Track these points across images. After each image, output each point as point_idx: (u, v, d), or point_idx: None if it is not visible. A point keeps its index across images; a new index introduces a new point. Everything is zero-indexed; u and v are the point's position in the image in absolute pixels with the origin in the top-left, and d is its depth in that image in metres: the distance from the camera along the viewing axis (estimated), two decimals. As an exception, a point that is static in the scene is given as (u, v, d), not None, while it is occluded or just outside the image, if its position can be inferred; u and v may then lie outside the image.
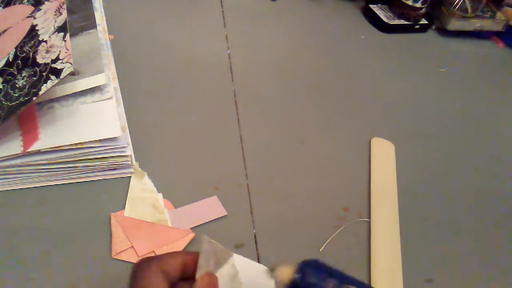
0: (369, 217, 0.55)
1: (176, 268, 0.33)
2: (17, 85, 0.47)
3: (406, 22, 0.88)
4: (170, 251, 0.34)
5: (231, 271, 0.33)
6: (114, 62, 0.62)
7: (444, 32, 0.90)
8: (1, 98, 0.47)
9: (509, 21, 0.90)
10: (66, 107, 0.51)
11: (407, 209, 0.57)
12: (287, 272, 0.33)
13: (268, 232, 0.51)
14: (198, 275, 0.32)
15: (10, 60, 0.50)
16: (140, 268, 0.32)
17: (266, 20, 0.83)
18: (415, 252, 0.53)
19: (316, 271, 0.33)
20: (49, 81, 0.46)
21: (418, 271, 0.51)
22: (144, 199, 0.51)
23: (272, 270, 0.34)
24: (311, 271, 0.33)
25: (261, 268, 0.35)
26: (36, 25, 0.52)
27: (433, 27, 0.92)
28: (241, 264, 0.34)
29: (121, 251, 0.46)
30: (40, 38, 0.50)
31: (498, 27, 0.90)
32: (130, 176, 0.53)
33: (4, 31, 0.54)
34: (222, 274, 0.33)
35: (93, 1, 0.62)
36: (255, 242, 0.50)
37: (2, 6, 0.57)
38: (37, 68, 0.47)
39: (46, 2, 0.54)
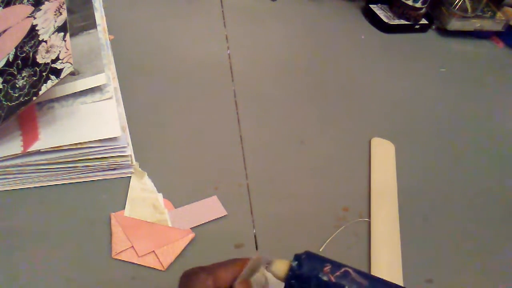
0: (369, 217, 0.55)
1: (228, 281, 0.33)
2: (17, 85, 0.47)
3: (406, 22, 0.88)
4: (221, 262, 0.34)
5: (260, 278, 0.35)
6: (114, 62, 0.62)
7: (444, 32, 0.90)
8: (1, 98, 0.47)
9: (509, 21, 0.90)
10: (66, 107, 0.51)
11: (407, 209, 0.57)
12: (283, 265, 0.34)
13: (268, 232, 0.51)
14: (236, 283, 0.33)
15: (10, 60, 0.50)
16: (195, 282, 0.32)
17: (266, 20, 0.83)
18: (415, 252, 0.53)
19: (311, 258, 0.34)
20: (49, 81, 0.46)
21: (418, 271, 0.51)
22: (144, 199, 0.51)
23: (268, 264, 0.34)
24: (307, 258, 0.34)
25: None
26: (36, 25, 0.52)
27: (433, 27, 0.92)
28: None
29: (121, 251, 0.46)
30: (40, 38, 0.50)
31: (498, 27, 0.90)
32: (130, 176, 0.53)
33: (4, 31, 0.54)
34: (254, 281, 0.34)
35: (93, 1, 0.62)
36: (255, 242, 0.50)
37: (2, 6, 0.57)
38: (37, 68, 0.47)
39: (46, 2, 0.54)
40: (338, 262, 0.34)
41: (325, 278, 0.32)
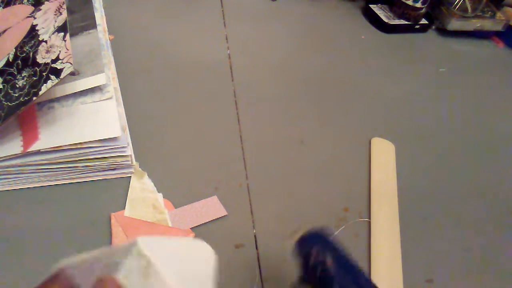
0: (369, 217, 0.55)
1: None
2: (17, 85, 0.47)
3: (406, 22, 0.88)
4: None
5: (139, 263, 0.23)
6: (114, 62, 0.62)
7: (444, 32, 0.90)
8: (1, 98, 0.47)
9: (509, 21, 0.90)
10: (66, 107, 0.51)
11: (407, 209, 0.57)
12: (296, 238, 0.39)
13: (268, 232, 0.51)
14: None
15: (10, 60, 0.50)
16: None
17: (266, 20, 0.83)
18: (415, 252, 0.53)
19: (310, 238, 0.38)
20: (49, 81, 0.46)
21: (418, 271, 0.51)
22: (144, 199, 0.51)
23: (293, 233, 0.39)
24: (305, 238, 0.38)
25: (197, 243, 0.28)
26: (36, 25, 0.52)
27: (433, 27, 0.92)
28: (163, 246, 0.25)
29: (121, 251, 0.46)
30: (40, 38, 0.50)
31: (498, 27, 0.90)
32: (130, 176, 0.53)
33: (4, 31, 0.54)
34: (127, 272, 0.24)
35: (93, 1, 0.62)
36: (255, 242, 0.50)
37: (2, 6, 0.57)
38: (37, 68, 0.47)
39: (46, 2, 0.54)
40: (337, 249, 0.38)
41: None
